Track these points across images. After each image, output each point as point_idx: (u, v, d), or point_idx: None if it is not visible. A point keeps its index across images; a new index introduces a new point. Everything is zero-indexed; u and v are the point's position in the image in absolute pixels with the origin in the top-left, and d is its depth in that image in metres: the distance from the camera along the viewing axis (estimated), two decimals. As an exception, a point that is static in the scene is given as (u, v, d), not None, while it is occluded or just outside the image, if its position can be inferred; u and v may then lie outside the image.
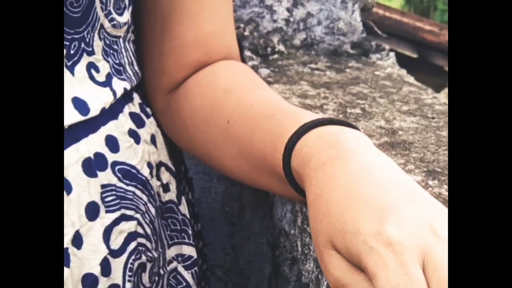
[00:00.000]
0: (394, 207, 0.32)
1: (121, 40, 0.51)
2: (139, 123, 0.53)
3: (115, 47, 0.50)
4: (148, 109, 0.55)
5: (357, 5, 0.73)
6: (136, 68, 0.54)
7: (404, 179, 0.35)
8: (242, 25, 0.71)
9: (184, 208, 0.57)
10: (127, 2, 0.49)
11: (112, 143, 0.49)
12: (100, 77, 0.48)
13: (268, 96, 0.49)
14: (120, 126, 0.50)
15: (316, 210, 0.35)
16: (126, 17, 0.50)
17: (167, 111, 0.57)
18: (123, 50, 0.51)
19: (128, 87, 0.51)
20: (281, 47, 0.73)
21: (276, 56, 0.72)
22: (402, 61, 0.82)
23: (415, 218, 0.31)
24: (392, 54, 0.75)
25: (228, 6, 0.58)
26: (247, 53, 0.72)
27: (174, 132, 0.57)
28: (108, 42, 0.49)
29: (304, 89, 0.63)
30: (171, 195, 0.56)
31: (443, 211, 0.33)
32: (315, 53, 0.73)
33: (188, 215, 0.57)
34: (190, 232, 0.56)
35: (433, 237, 0.30)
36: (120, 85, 0.50)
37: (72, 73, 0.46)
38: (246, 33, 0.71)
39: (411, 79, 0.69)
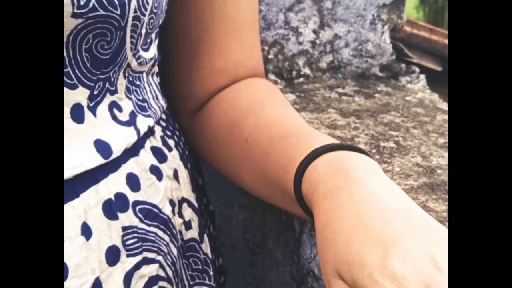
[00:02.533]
0: (397, 239, 0.33)
1: (144, 74, 0.48)
2: (161, 158, 0.50)
3: (138, 82, 0.48)
4: (170, 141, 0.53)
5: (387, 26, 0.69)
6: (162, 101, 0.52)
7: (406, 206, 0.35)
8: (266, 48, 0.68)
9: (206, 247, 0.54)
10: (153, 37, 0.47)
11: (133, 181, 0.47)
12: (123, 116, 0.46)
13: (285, 116, 0.49)
14: (141, 163, 0.48)
15: (323, 239, 0.36)
16: (152, 52, 0.48)
17: (192, 129, 0.57)
18: (146, 85, 0.49)
19: (152, 123, 0.49)
20: (306, 70, 0.69)
21: (301, 79, 0.69)
22: (426, 74, 0.78)
23: (417, 250, 0.32)
24: (422, 76, 0.72)
25: (255, 30, 0.57)
26: (271, 76, 0.69)
27: (198, 148, 0.57)
28: (131, 79, 0.46)
29: (333, 118, 0.60)
30: (193, 233, 0.53)
31: (444, 236, 0.33)
32: (342, 76, 0.70)
33: (209, 254, 0.54)
34: (211, 273, 0.54)
35: (435, 270, 0.31)
36: (144, 123, 0.48)
37: (94, 115, 0.43)
38: (271, 56, 0.68)
39: (444, 105, 0.65)
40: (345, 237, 0.34)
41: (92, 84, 0.42)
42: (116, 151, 0.44)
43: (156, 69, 0.51)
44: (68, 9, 0.37)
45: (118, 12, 0.39)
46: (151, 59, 0.48)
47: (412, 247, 0.32)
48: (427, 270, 0.31)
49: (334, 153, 0.40)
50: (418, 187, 0.47)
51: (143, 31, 0.43)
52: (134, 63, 0.45)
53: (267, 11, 0.66)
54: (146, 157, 0.48)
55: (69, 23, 0.37)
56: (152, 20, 0.44)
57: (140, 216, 0.47)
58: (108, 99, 0.44)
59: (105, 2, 0.38)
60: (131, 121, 0.46)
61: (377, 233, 0.33)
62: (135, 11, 0.40)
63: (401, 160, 0.51)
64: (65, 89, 0.40)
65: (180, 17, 0.53)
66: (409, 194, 0.46)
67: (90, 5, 0.37)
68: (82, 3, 0.37)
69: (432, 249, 0.32)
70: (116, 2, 0.39)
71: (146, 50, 0.47)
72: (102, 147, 0.43)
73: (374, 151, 0.53)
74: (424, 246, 0.32)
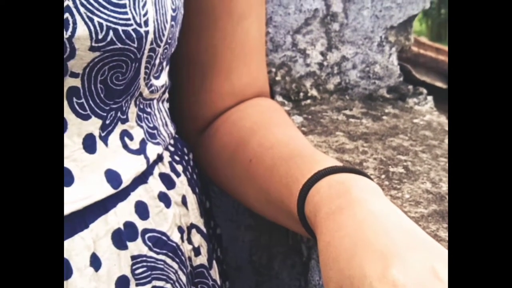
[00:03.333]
0: (398, 252, 0.33)
1: (154, 101, 0.48)
2: (169, 184, 0.50)
3: (148, 110, 0.48)
4: (178, 167, 0.53)
5: (394, 48, 0.69)
6: (171, 128, 0.52)
7: (407, 225, 0.36)
8: (273, 70, 0.68)
9: (215, 273, 0.54)
10: (164, 64, 0.47)
11: (141, 209, 0.47)
12: (134, 145, 0.46)
13: (289, 136, 0.50)
14: (149, 190, 0.48)
15: (326, 258, 0.36)
16: (163, 79, 0.48)
17: (197, 147, 0.58)
18: (156, 111, 0.49)
19: (161, 150, 0.49)
20: (314, 92, 0.69)
21: (308, 101, 0.69)
22: (434, 93, 0.78)
23: (418, 262, 0.32)
24: (430, 98, 0.72)
25: (262, 53, 0.58)
26: (279, 98, 0.69)
27: (204, 167, 0.58)
28: (142, 107, 0.46)
29: (341, 142, 0.60)
30: (202, 259, 0.53)
31: (445, 254, 0.34)
32: (350, 97, 0.70)
33: (218, 281, 0.54)
34: (220, 299, 0.53)
35: (436, 280, 0.31)
36: (153, 151, 0.48)
37: (106, 144, 0.43)
38: (278, 77, 0.68)
39: (451, 127, 0.65)
40: (347, 253, 0.34)
41: (105, 114, 0.42)
42: (126, 180, 0.44)
43: (166, 95, 0.51)
44: (86, 42, 0.37)
45: (135, 45, 0.39)
46: (162, 86, 0.48)
47: (413, 259, 0.32)
48: (428, 280, 0.31)
49: (337, 175, 0.40)
50: (428, 215, 0.47)
51: (157, 61, 0.43)
52: (146, 92, 0.45)
53: (274, 33, 0.66)
54: (154, 184, 0.48)
55: (86, 56, 0.37)
56: (166, 50, 0.44)
57: (149, 244, 0.46)
58: (120, 127, 0.44)
59: (123, 35, 0.38)
60: (141, 150, 0.46)
61: (378, 247, 0.33)
62: (151, 43, 0.41)
63: (410, 187, 0.51)
64: (79, 120, 0.40)
65: (190, 43, 0.53)
66: (420, 222, 0.46)
67: (108, 38, 0.37)
68: (100, 37, 0.37)
69: (433, 262, 0.32)
70: (134, 36, 0.39)
71: (157, 77, 0.47)
72: (112, 176, 0.43)
73: (383, 176, 0.53)
74: (425, 258, 0.33)
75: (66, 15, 0.35)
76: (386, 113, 0.68)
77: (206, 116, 0.57)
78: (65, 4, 0.35)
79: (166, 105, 0.52)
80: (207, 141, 0.56)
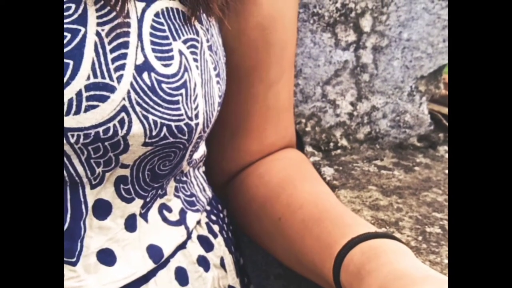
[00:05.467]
0: (414, 282, 0.34)
1: (190, 170, 0.48)
2: (208, 246, 0.50)
3: (184, 179, 0.48)
4: (214, 227, 0.53)
5: (425, 98, 0.69)
6: (209, 192, 0.52)
7: (433, 274, 0.37)
8: (303, 120, 0.68)
9: (251, 334, 0.53)
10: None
11: (181, 275, 0.47)
12: (173, 216, 0.46)
13: (317, 194, 0.50)
14: (188, 255, 0.48)
15: None
16: (202, 150, 0.48)
17: (223, 197, 0.58)
18: (193, 179, 0.49)
19: (200, 216, 0.49)
20: (344, 142, 0.69)
21: (339, 151, 0.69)
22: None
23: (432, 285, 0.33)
24: (460, 145, 0.71)
25: (291, 111, 0.58)
26: (309, 148, 0.68)
27: (232, 215, 0.58)
28: (178, 178, 0.47)
29: (375, 197, 0.59)
30: (239, 321, 0.52)
31: None
32: (380, 146, 0.70)
33: None
34: None
35: None
36: (193, 219, 0.48)
37: (146, 220, 0.43)
38: (308, 128, 0.68)
39: (484, 178, 0.64)
40: None
41: (146, 194, 0.42)
42: (167, 253, 0.44)
43: (202, 162, 0.51)
44: (140, 139, 0.37)
45: (186, 137, 0.40)
46: (201, 156, 0.48)
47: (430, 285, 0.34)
48: None
49: (369, 242, 0.41)
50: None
51: (201, 144, 0.44)
52: (186, 168, 0.46)
53: (304, 84, 0.66)
54: (193, 248, 0.48)
55: (139, 151, 0.38)
56: (209, 131, 0.44)
57: (188, 311, 0.46)
58: (158, 202, 0.44)
59: (175, 130, 0.38)
60: (181, 220, 0.46)
61: (398, 284, 0.35)
62: (199, 132, 0.41)
63: (447, 249, 0.50)
64: (123, 204, 0.41)
65: (222, 107, 0.53)
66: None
67: (162, 134, 0.38)
68: (154, 133, 0.38)
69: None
70: (185, 129, 0.39)
71: (196, 150, 0.47)
72: (154, 252, 0.43)
73: (420, 238, 0.52)
74: (441, 285, 0.34)
75: (122, 114, 0.36)
76: (417, 163, 0.67)
77: (233, 170, 0.57)
78: (121, 104, 0.35)
79: (202, 169, 0.52)
80: (233, 192, 0.57)
